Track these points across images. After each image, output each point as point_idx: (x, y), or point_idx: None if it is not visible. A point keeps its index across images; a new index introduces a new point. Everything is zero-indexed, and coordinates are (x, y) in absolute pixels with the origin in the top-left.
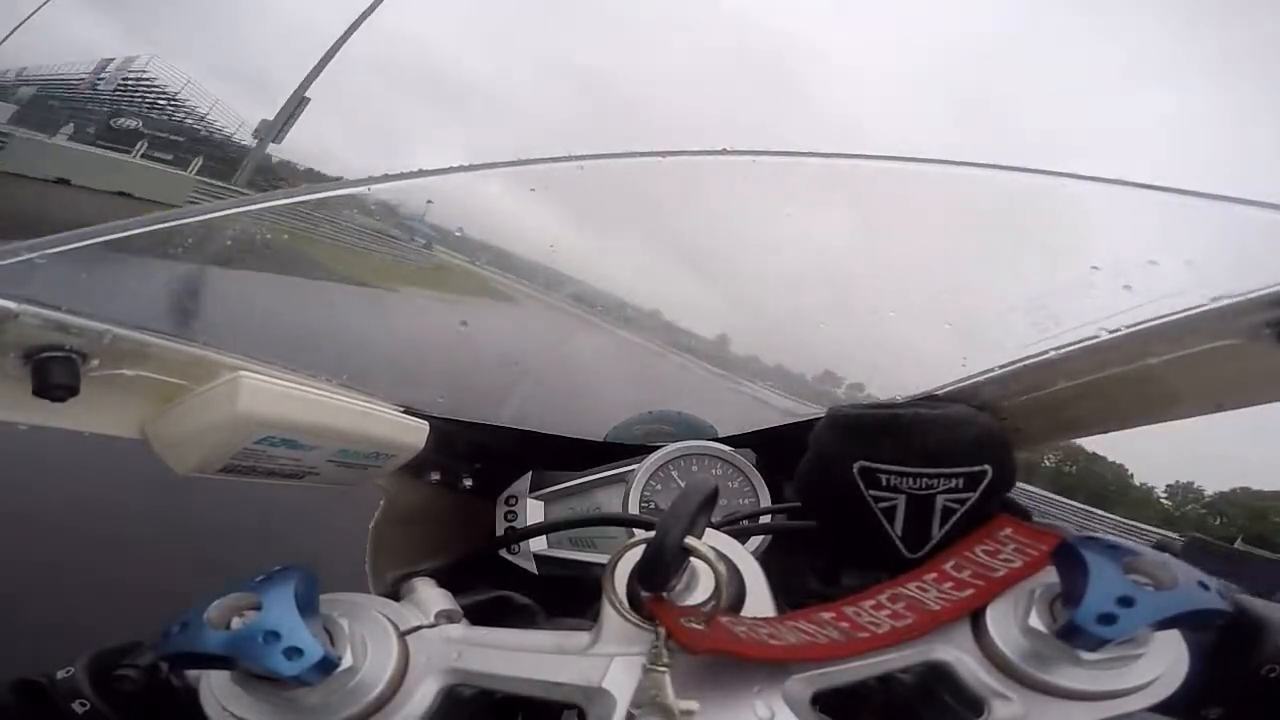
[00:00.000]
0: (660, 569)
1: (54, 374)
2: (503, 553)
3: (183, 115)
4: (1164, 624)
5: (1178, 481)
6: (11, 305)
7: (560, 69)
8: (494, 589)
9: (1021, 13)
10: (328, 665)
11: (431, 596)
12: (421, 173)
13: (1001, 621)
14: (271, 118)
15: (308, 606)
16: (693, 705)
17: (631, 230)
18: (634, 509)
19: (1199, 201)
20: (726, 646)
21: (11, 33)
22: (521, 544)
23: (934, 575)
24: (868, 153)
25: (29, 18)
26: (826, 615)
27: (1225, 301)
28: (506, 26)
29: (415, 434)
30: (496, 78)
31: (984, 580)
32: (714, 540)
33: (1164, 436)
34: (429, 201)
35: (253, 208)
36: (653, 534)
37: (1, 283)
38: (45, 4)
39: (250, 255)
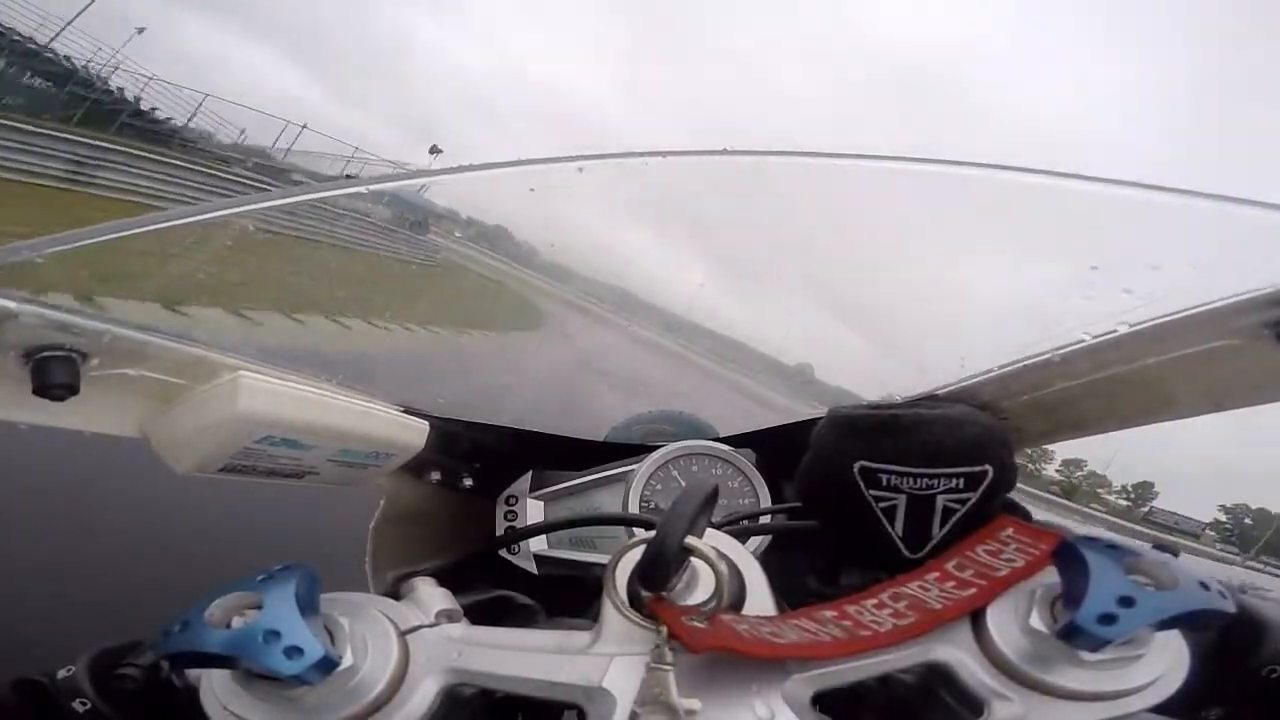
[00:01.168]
0: (661, 569)
1: (54, 374)
2: (503, 553)
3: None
4: (1165, 624)
5: None
6: (11, 305)
7: (704, 120)
8: (494, 589)
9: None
10: (328, 664)
11: (432, 596)
12: (422, 172)
13: (1002, 622)
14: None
15: (308, 606)
16: (695, 704)
17: (631, 229)
18: (634, 509)
19: (1199, 201)
20: (729, 644)
21: (58, 34)
22: (521, 544)
23: (936, 575)
24: (877, 154)
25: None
26: (828, 614)
27: (1225, 301)
28: (649, 76)
29: (415, 434)
30: (639, 127)
31: (986, 580)
32: (715, 540)
33: None
34: (436, 200)
35: (253, 207)
36: (653, 534)
37: (1, 283)
38: (78, 14)
39: (249, 255)
